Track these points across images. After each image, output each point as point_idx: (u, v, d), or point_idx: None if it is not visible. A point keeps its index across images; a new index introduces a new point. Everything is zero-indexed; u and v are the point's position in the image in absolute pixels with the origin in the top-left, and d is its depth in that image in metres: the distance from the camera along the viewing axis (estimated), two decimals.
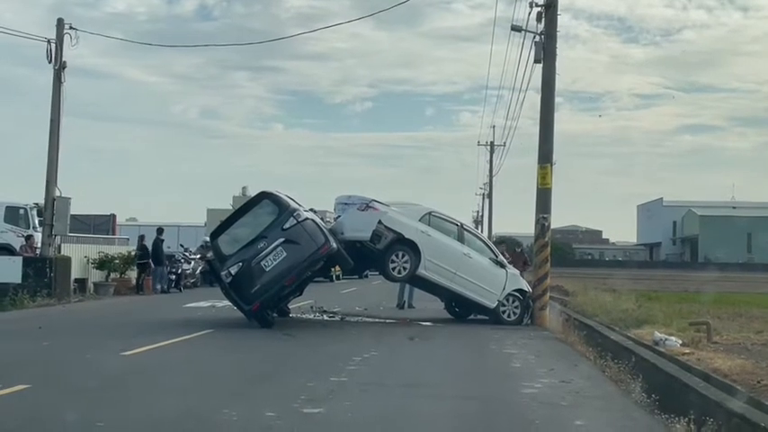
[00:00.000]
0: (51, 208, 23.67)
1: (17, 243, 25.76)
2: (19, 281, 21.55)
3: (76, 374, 10.43)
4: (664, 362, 11.68)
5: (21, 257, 23.25)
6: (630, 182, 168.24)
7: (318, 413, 8.07)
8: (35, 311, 19.84)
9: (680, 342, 13.41)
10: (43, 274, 22.44)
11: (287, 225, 15.84)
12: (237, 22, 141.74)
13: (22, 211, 27.43)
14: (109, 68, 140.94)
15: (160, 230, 28.45)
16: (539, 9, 18.69)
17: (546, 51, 18.70)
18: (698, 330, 14.38)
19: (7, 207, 27.44)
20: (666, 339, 13.49)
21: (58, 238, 24.40)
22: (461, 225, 18.77)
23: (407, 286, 21.19)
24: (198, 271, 30.98)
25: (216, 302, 21.40)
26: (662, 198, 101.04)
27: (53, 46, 23.59)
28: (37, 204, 26.44)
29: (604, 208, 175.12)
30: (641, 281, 34.44)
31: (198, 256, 31.29)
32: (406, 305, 21.78)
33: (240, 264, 15.60)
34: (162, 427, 7.37)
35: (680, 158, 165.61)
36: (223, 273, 15.76)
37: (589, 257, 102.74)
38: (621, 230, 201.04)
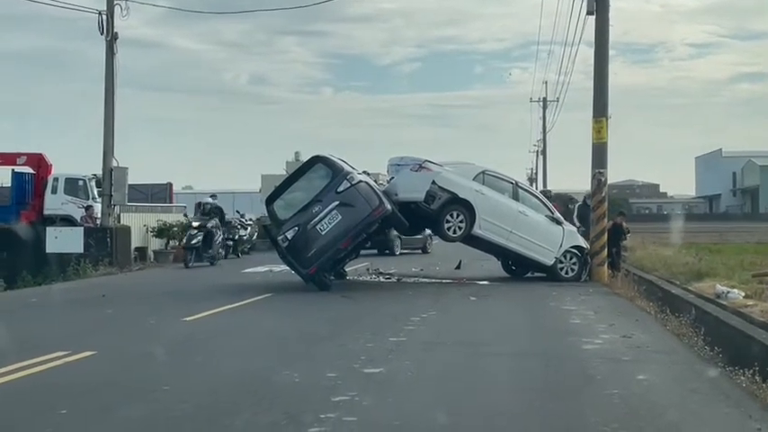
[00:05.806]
0: (109, 178, 24.04)
1: (77, 214, 26.28)
2: (81, 251, 21.91)
3: (140, 340, 10.63)
4: (726, 314, 11.48)
5: (82, 228, 23.66)
6: (688, 134, 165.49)
7: (379, 373, 8.12)
8: (98, 280, 20.25)
9: (743, 294, 13.15)
10: (104, 244, 22.83)
11: (341, 188, 15.86)
12: None
13: (81, 183, 27.91)
14: (159, 38, 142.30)
15: (213, 196, 28.57)
16: None
17: (598, 2, 18.32)
18: (761, 282, 14.10)
19: (66, 179, 27.95)
20: (729, 292, 13.24)
21: (117, 207, 24.84)
22: (516, 183, 18.62)
23: None
24: (254, 237, 31.30)
25: (273, 267, 21.60)
26: (721, 149, 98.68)
27: (104, 18, 23.82)
28: (95, 175, 26.82)
29: (661, 161, 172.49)
30: (701, 234, 33.81)
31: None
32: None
33: (296, 228, 15.70)
34: (225, 389, 7.47)
35: (738, 108, 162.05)
36: (279, 237, 15.87)
37: (647, 212, 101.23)
38: (680, 184, 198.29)
